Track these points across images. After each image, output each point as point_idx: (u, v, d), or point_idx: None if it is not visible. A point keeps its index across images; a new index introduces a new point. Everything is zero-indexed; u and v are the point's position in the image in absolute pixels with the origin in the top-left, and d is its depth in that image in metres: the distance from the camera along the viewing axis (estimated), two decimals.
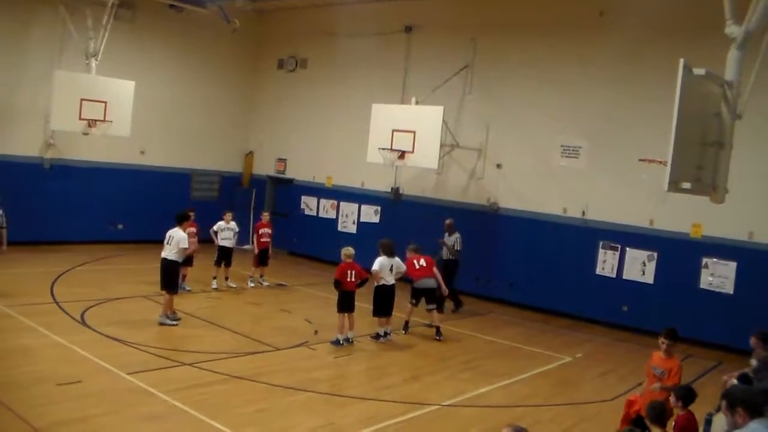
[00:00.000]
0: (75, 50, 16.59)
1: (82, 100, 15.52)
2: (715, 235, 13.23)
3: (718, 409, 6.09)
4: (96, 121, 15.78)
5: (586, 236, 14.82)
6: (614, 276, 14.47)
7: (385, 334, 11.83)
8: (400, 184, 17.93)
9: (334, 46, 19.35)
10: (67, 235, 17.52)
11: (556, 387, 10.25)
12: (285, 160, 21.00)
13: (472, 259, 16.09)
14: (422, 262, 12.35)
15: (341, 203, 19.30)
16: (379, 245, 11.88)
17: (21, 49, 16.66)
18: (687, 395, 6.43)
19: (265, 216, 15.78)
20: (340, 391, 9.21)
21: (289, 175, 20.89)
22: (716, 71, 8.01)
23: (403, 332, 12.42)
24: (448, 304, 14.38)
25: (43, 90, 16.36)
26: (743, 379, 7.66)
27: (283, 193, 21.08)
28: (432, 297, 12.37)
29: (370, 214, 18.60)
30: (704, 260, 13.37)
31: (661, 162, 8.14)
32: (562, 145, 15.27)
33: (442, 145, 15.12)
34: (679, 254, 13.63)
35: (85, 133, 16.01)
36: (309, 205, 20.11)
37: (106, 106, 15.87)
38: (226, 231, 14.61)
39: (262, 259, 15.30)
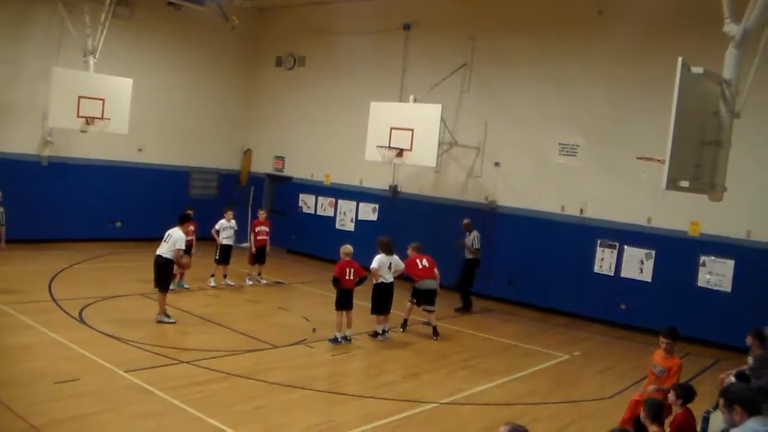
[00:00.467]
0: (73, 47, 16.55)
1: (80, 97, 15.50)
2: (713, 234, 13.25)
3: (716, 407, 6.10)
4: (94, 118, 15.76)
5: (584, 234, 14.83)
6: (612, 274, 14.49)
7: (384, 332, 11.84)
8: (398, 182, 17.93)
9: (332, 44, 19.33)
10: (65, 233, 17.50)
11: (554, 385, 10.26)
12: (283, 157, 20.99)
13: None
14: (425, 262, 12.32)
15: (339, 201, 19.29)
16: (378, 243, 11.87)
17: (19, 46, 16.62)
18: (687, 394, 6.44)
19: (262, 214, 15.78)
20: (338, 388, 9.21)
21: (287, 173, 20.88)
22: (715, 69, 8.02)
23: (402, 330, 12.42)
24: (452, 302, 14.58)
25: (41, 87, 16.31)
26: (741, 377, 7.67)
27: (281, 191, 21.07)
28: (432, 298, 12.36)
29: (368, 212, 18.60)
30: (702, 258, 13.39)
31: (659, 160, 8.15)
32: (560, 143, 15.28)
33: (440, 143, 15.13)
34: (677, 252, 13.65)
35: (83, 131, 16.00)
36: (307, 203, 20.10)
37: (104, 104, 15.85)
38: (227, 230, 14.61)
39: (258, 257, 15.29)
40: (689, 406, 6.52)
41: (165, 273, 11.55)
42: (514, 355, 11.86)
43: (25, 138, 17.01)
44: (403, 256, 12.24)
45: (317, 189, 19.86)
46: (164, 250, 11.44)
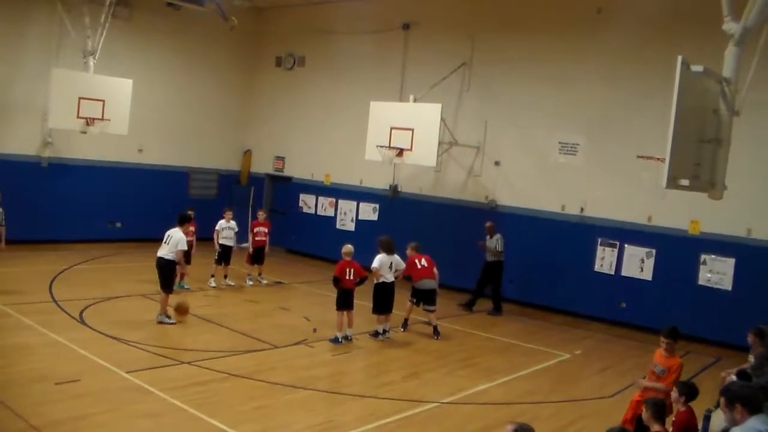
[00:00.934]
0: (72, 48, 16.54)
1: (79, 98, 15.48)
2: (713, 232, 13.25)
3: (717, 406, 6.09)
4: (94, 119, 15.75)
5: (585, 233, 14.83)
6: (613, 273, 14.48)
7: (384, 331, 11.83)
8: (398, 182, 17.92)
9: (331, 44, 19.34)
10: (66, 234, 17.51)
11: (555, 384, 10.26)
12: (283, 158, 20.99)
13: (471, 256, 16.11)
14: (423, 261, 12.31)
15: (339, 201, 19.29)
16: (379, 242, 11.87)
17: (18, 47, 16.63)
18: (690, 392, 6.42)
19: (261, 215, 15.77)
20: (339, 388, 9.21)
21: (287, 173, 20.88)
22: (714, 68, 8.02)
23: (402, 330, 12.42)
24: (485, 305, 14.75)
25: (41, 88, 16.32)
26: (742, 375, 7.66)
27: (282, 191, 21.07)
28: (432, 298, 12.35)
29: (369, 211, 18.60)
30: (702, 257, 13.38)
31: (659, 159, 8.15)
32: (560, 142, 15.27)
33: (440, 143, 15.14)
34: (678, 251, 13.64)
35: (83, 132, 15.99)
36: (307, 203, 20.10)
37: (104, 105, 15.84)
38: (227, 230, 14.62)
39: (257, 258, 15.29)
40: (691, 404, 6.50)
41: (168, 274, 11.54)
42: (515, 354, 11.86)
43: (25, 139, 17.01)
44: (403, 256, 12.24)
45: (317, 189, 19.86)
46: (165, 251, 11.43)
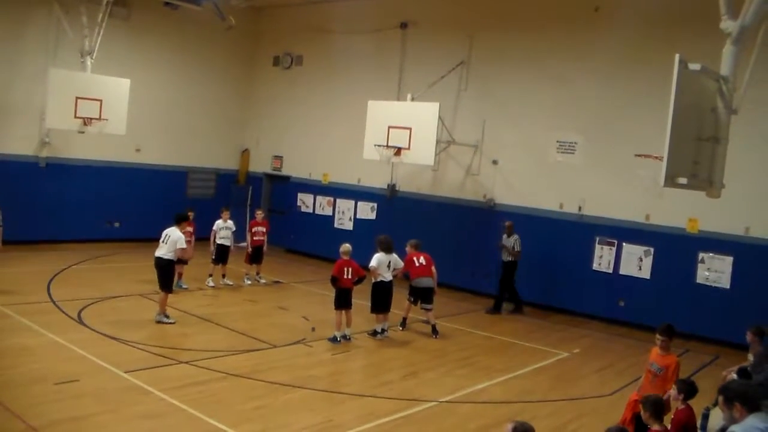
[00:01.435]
0: (70, 48, 16.51)
1: (77, 98, 15.46)
2: (711, 230, 13.26)
3: (716, 404, 6.10)
4: (91, 119, 15.73)
5: (583, 232, 14.84)
6: (611, 271, 14.50)
7: (383, 330, 11.84)
8: (396, 181, 17.91)
9: (329, 43, 19.32)
10: (63, 234, 17.49)
11: (553, 382, 10.27)
12: (281, 157, 20.98)
13: (469, 255, 16.16)
14: (422, 260, 12.31)
15: (338, 200, 19.29)
16: (377, 242, 11.87)
17: (16, 47, 16.60)
18: (689, 389, 6.43)
19: (259, 214, 15.76)
20: (337, 387, 9.21)
21: (285, 172, 20.87)
22: (712, 66, 8.02)
23: (401, 329, 12.42)
24: (507, 305, 14.79)
25: (38, 88, 16.30)
26: (742, 373, 7.68)
27: (280, 190, 21.06)
28: (429, 296, 12.35)
29: (367, 210, 18.60)
30: (701, 255, 13.40)
31: (657, 157, 8.14)
32: (558, 141, 15.28)
33: (438, 142, 15.13)
34: (676, 249, 13.66)
35: (81, 132, 15.97)
36: (305, 202, 20.10)
37: (102, 104, 15.82)
38: (224, 230, 14.61)
39: (255, 257, 15.28)
40: (689, 402, 6.51)
41: (167, 274, 11.53)
42: (514, 353, 11.87)
43: (23, 139, 16.99)
44: (402, 255, 12.24)
45: (315, 188, 19.85)
46: (164, 251, 11.42)
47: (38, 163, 17.32)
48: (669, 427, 6.30)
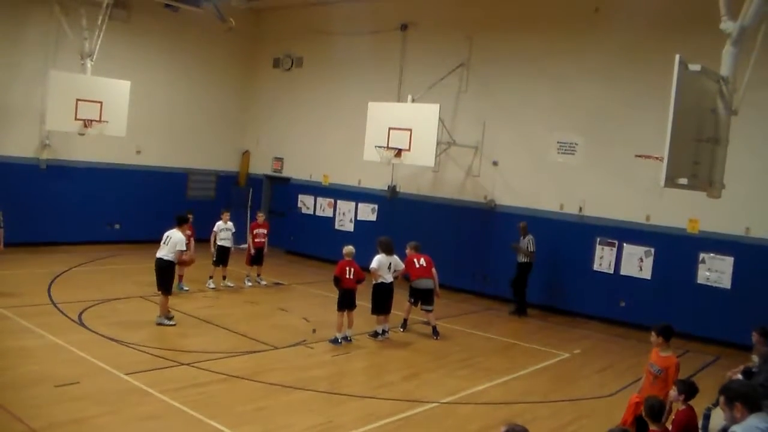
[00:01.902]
0: (70, 50, 16.51)
1: (77, 100, 15.47)
2: (711, 231, 13.26)
3: (717, 404, 6.10)
4: (92, 121, 15.74)
5: (583, 232, 14.83)
6: (611, 272, 14.49)
7: (384, 332, 11.83)
8: (396, 182, 17.91)
9: (329, 45, 19.33)
10: (64, 236, 17.50)
11: (554, 383, 10.26)
12: (281, 158, 20.99)
13: (469, 256, 16.15)
14: (422, 261, 12.30)
15: (338, 202, 19.29)
16: (378, 243, 11.87)
17: (16, 49, 16.61)
18: (689, 390, 6.42)
19: (260, 216, 15.75)
20: (338, 389, 9.21)
21: (285, 173, 20.87)
22: (712, 67, 8.03)
23: (401, 330, 12.42)
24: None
25: (38, 90, 16.32)
26: (748, 374, 7.67)
27: (280, 191, 21.06)
28: (429, 297, 12.34)
29: (367, 212, 18.60)
30: (701, 255, 13.39)
31: (657, 158, 8.15)
32: (558, 142, 15.28)
33: (438, 143, 15.12)
34: (676, 250, 13.66)
35: (81, 134, 15.98)
36: (306, 203, 20.10)
37: (102, 106, 15.82)
38: (224, 231, 14.61)
39: (256, 259, 15.29)
40: (691, 403, 6.51)
41: (167, 275, 11.52)
42: (514, 353, 11.86)
43: (23, 141, 17.00)
44: (402, 256, 12.24)
45: (316, 190, 19.86)
46: (164, 252, 11.42)
47: (38, 165, 17.33)
48: (670, 428, 6.31)
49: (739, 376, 7.66)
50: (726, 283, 13.11)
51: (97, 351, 9.58)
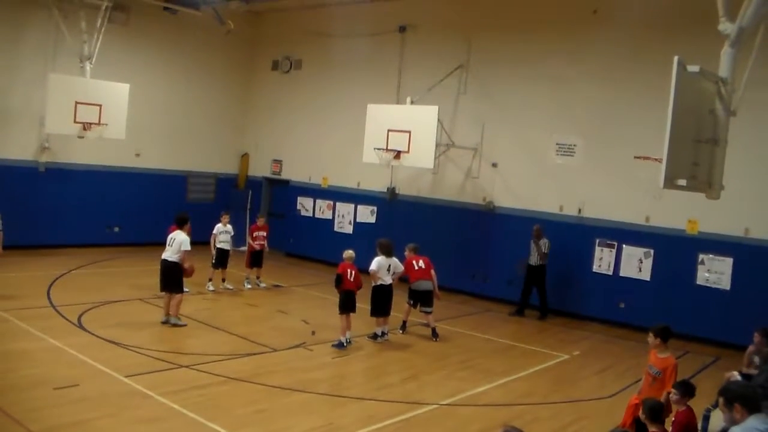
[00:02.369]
0: (69, 53, 16.52)
1: (76, 103, 15.49)
2: (711, 232, 13.26)
3: (716, 405, 6.10)
4: (91, 124, 15.75)
5: (583, 234, 14.84)
6: (611, 273, 14.49)
7: (383, 334, 11.83)
8: (396, 184, 17.92)
9: (328, 47, 19.33)
10: (63, 239, 17.49)
11: (554, 385, 10.26)
12: (280, 161, 21.00)
13: (469, 257, 16.16)
14: (421, 263, 12.30)
15: (337, 204, 19.28)
16: (378, 245, 11.86)
17: (15, 53, 16.62)
18: (687, 391, 6.43)
19: (261, 219, 15.74)
20: (338, 391, 9.21)
21: (284, 176, 20.88)
22: (710, 68, 8.04)
23: (401, 332, 12.42)
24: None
25: (38, 93, 16.31)
26: (747, 375, 7.67)
27: (279, 194, 21.07)
28: (428, 299, 12.33)
29: (367, 214, 18.60)
30: (700, 256, 13.40)
31: (656, 159, 8.17)
32: (557, 143, 15.29)
33: (437, 145, 15.14)
34: (676, 251, 13.66)
35: (80, 137, 15.99)
36: (305, 205, 20.10)
37: (101, 109, 15.83)
38: (223, 234, 14.61)
39: (256, 261, 15.28)
40: (689, 403, 6.51)
41: (175, 275, 11.50)
42: (514, 355, 11.86)
43: (22, 144, 16.99)
44: (402, 258, 12.24)
45: (315, 192, 19.86)
46: (170, 254, 11.45)
47: (38, 168, 17.33)
48: (669, 429, 6.31)
49: (738, 377, 7.66)
50: (725, 284, 13.11)
51: (96, 353, 9.57)
